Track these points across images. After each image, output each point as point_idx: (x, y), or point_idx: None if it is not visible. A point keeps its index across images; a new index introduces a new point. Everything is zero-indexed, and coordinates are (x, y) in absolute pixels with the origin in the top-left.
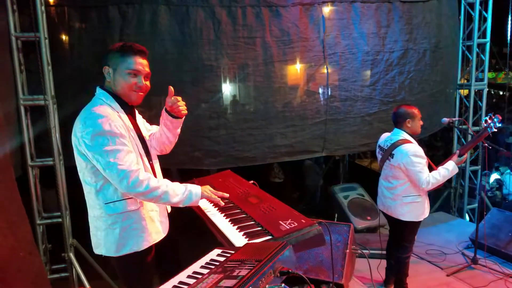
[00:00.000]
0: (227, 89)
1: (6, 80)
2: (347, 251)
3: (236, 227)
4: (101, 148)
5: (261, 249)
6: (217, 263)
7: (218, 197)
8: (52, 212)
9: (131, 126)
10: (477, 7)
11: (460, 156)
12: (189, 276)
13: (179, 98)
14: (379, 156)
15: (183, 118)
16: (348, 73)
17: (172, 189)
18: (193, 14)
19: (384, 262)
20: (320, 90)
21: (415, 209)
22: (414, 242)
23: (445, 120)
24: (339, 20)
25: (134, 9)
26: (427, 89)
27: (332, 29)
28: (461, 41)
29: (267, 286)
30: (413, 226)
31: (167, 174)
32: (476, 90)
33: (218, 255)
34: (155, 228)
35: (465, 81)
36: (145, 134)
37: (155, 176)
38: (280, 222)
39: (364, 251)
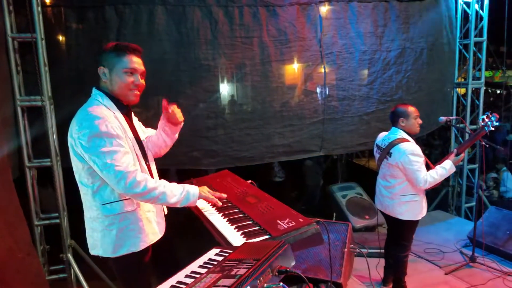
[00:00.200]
0: (225, 89)
1: (3, 81)
2: (346, 250)
3: (234, 226)
4: (98, 149)
5: (259, 248)
6: (215, 263)
7: (216, 197)
8: (50, 213)
9: (127, 127)
10: (474, 5)
11: (457, 155)
12: (187, 276)
13: (174, 108)
14: (376, 155)
15: (182, 124)
16: (345, 72)
17: (170, 189)
18: (190, 14)
19: (382, 261)
20: (318, 90)
21: (413, 208)
22: (412, 241)
23: (443, 118)
24: (336, 19)
25: (131, 9)
26: (424, 88)
27: (329, 28)
28: (458, 40)
29: (265, 285)
30: (411, 225)
31: (165, 175)
32: (473, 89)
33: (216, 254)
34: (152, 228)
35: (462, 79)
36: (141, 135)
37: (152, 177)
38: (278, 221)
39: (362, 250)
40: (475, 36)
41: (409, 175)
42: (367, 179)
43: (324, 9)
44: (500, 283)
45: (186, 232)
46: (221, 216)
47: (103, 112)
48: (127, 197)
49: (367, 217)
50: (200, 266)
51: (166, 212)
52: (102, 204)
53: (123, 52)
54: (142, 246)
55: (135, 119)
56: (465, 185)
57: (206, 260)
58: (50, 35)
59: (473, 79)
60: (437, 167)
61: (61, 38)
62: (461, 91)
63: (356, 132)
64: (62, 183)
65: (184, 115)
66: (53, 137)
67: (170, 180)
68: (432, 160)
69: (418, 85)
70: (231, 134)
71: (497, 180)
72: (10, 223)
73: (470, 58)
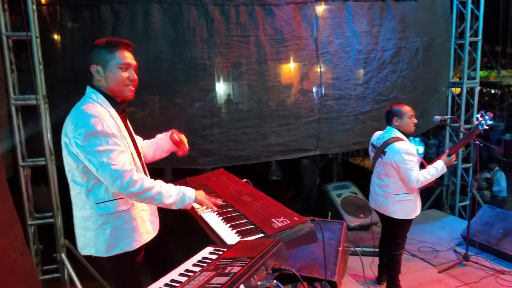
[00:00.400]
0: (221, 87)
1: None
2: (340, 248)
3: (228, 225)
4: (94, 148)
5: (254, 247)
6: (209, 261)
7: (212, 203)
8: (44, 212)
9: (122, 125)
10: (469, 5)
11: (449, 155)
12: (181, 274)
13: (182, 137)
14: (371, 154)
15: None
16: (341, 71)
17: (166, 190)
18: (186, 12)
19: (376, 260)
20: (314, 89)
21: (406, 207)
22: (406, 239)
23: (437, 118)
24: (332, 18)
25: (127, 8)
26: (419, 87)
27: (325, 27)
28: (453, 39)
29: (259, 283)
30: (405, 224)
31: (160, 174)
32: (468, 88)
33: (211, 253)
34: (146, 228)
35: (458, 79)
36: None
37: (147, 175)
38: (273, 220)
39: (357, 248)
40: (471, 36)
41: (401, 174)
42: (363, 178)
43: (320, 8)
44: (493, 282)
45: (180, 231)
46: (216, 214)
47: (98, 111)
48: (122, 196)
49: (361, 216)
50: (194, 265)
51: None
52: (96, 203)
53: (115, 48)
54: (136, 245)
55: None
56: (459, 184)
57: (200, 259)
58: (45, 34)
59: (468, 79)
60: (429, 167)
61: (56, 36)
62: (456, 90)
63: (352, 131)
64: (56, 182)
65: (180, 114)
66: (47, 136)
67: (165, 180)
68: (427, 159)
69: (414, 85)
70: (227, 133)
71: (489, 180)
72: (3, 222)
73: (465, 58)
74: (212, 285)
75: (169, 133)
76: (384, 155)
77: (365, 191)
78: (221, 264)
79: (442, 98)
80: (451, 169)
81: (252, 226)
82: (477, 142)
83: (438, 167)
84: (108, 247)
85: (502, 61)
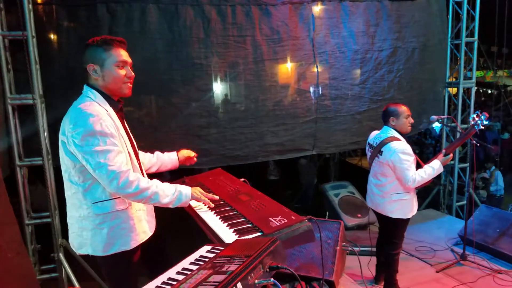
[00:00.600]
0: (218, 87)
1: None
2: (338, 248)
3: (226, 224)
4: (92, 148)
5: (251, 245)
6: (207, 259)
7: (208, 199)
8: (41, 212)
9: (120, 125)
10: (465, 6)
11: (446, 155)
12: (178, 273)
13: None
14: (368, 154)
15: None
16: (337, 71)
17: (162, 189)
18: (183, 12)
19: (374, 259)
20: (310, 89)
21: (403, 206)
22: (403, 238)
23: (434, 117)
24: (328, 18)
25: (123, 7)
26: (416, 87)
27: (322, 27)
28: (449, 39)
29: (256, 281)
30: (402, 223)
31: (157, 174)
32: (465, 88)
33: (208, 251)
34: (143, 227)
35: (454, 79)
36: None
37: (143, 175)
38: (270, 218)
39: (354, 248)
40: (467, 36)
41: (398, 174)
42: (360, 178)
43: (316, 8)
44: (490, 281)
45: (177, 231)
46: (214, 213)
47: (97, 110)
48: (119, 196)
49: (359, 215)
50: (192, 263)
51: None
52: (93, 203)
53: (111, 46)
54: (133, 245)
55: None
56: (456, 184)
57: (197, 257)
58: (42, 33)
59: (464, 79)
60: (426, 166)
61: (52, 36)
62: (453, 90)
63: (349, 131)
64: (53, 182)
65: (176, 114)
66: (44, 136)
67: (162, 179)
68: (424, 159)
69: (410, 85)
70: (224, 133)
71: (486, 180)
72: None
73: (462, 58)
74: (209, 283)
75: (174, 153)
76: (381, 154)
77: (363, 190)
78: (218, 263)
79: (439, 98)
80: (448, 169)
81: (249, 225)
82: (474, 142)
83: (434, 167)
84: (105, 246)
85: (498, 61)
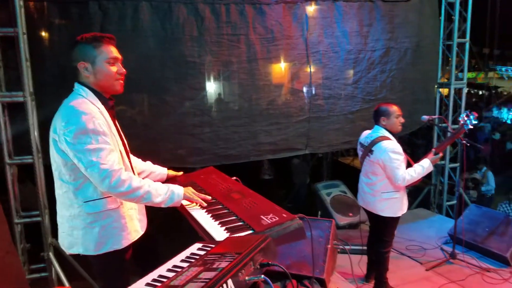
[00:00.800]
0: (211, 86)
1: None
2: (329, 246)
3: (217, 222)
4: (84, 146)
5: (242, 242)
6: (197, 257)
7: (200, 199)
8: (31, 211)
9: (111, 123)
10: (457, 7)
11: (435, 154)
12: (168, 270)
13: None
14: (360, 153)
15: None
16: (331, 71)
17: (155, 188)
18: (176, 10)
19: (365, 258)
20: (304, 88)
21: (393, 205)
22: (393, 237)
23: (425, 117)
24: (322, 18)
25: (115, 5)
26: (408, 87)
27: (315, 27)
28: (441, 40)
29: (247, 277)
30: (392, 222)
31: None
32: (456, 89)
33: (199, 249)
34: (134, 226)
35: (446, 80)
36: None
37: (134, 173)
38: (262, 216)
39: (345, 246)
40: (458, 37)
41: (388, 173)
42: (352, 178)
43: (310, 8)
44: (479, 279)
45: (169, 229)
46: (205, 212)
47: (89, 108)
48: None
49: (350, 214)
50: (182, 261)
51: None
52: (85, 202)
53: (101, 43)
54: (125, 243)
55: None
56: (447, 183)
57: (188, 255)
58: (33, 31)
59: (455, 80)
60: (415, 165)
61: (44, 33)
62: (444, 91)
63: (341, 131)
64: (43, 181)
65: (170, 113)
66: (34, 134)
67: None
68: (415, 159)
69: (402, 85)
70: (217, 132)
71: (476, 180)
72: None
73: (453, 59)
74: (200, 280)
75: (165, 169)
76: (372, 153)
77: (355, 190)
78: (209, 260)
79: (431, 99)
80: (439, 169)
81: (241, 223)
82: (464, 141)
83: (424, 166)
84: (96, 245)
85: (490, 62)
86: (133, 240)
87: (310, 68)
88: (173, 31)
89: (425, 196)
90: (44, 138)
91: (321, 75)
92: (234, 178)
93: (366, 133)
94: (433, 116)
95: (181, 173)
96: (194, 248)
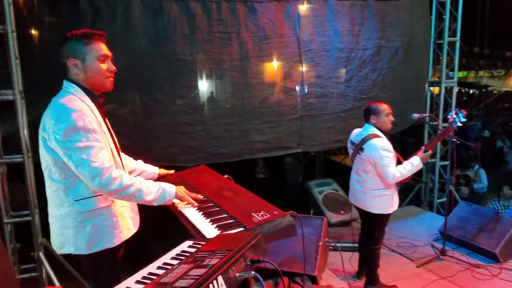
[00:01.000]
0: (203, 84)
1: None
2: (320, 243)
3: (208, 220)
4: (74, 144)
5: (233, 239)
6: (188, 254)
7: (192, 198)
8: (21, 210)
9: (101, 120)
10: (448, 6)
11: (425, 151)
12: (159, 267)
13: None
14: (350, 151)
15: None
16: (323, 70)
17: (146, 187)
18: (167, 8)
19: (356, 255)
20: (296, 87)
21: (384, 202)
22: (384, 234)
23: (416, 116)
24: (314, 17)
25: (106, 2)
26: (399, 86)
27: (308, 26)
28: (432, 39)
29: (237, 274)
30: (383, 219)
31: None
32: (447, 88)
33: (189, 246)
34: (126, 224)
35: (437, 79)
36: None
37: (125, 171)
38: (253, 214)
39: (337, 244)
40: (449, 36)
41: (378, 170)
42: (344, 176)
43: (302, 6)
44: (469, 275)
45: (162, 228)
46: (196, 210)
47: (79, 105)
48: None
49: (342, 212)
50: (173, 258)
51: None
52: (75, 200)
53: (92, 40)
54: (117, 242)
55: None
56: (437, 181)
57: (178, 252)
58: (22, 28)
59: (446, 78)
60: (405, 162)
61: (33, 31)
62: (435, 90)
63: (334, 129)
64: (33, 180)
65: (161, 111)
66: (24, 132)
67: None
68: (406, 158)
69: (394, 83)
70: (209, 131)
71: (468, 178)
72: None
73: (444, 58)
74: (190, 277)
75: (157, 168)
76: (362, 151)
77: (347, 188)
78: (199, 257)
79: (422, 97)
80: (430, 167)
81: (232, 221)
82: (454, 139)
83: (414, 163)
84: (88, 244)
85: (480, 62)
86: (125, 238)
87: (302, 67)
88: (164, 29)
89: (416, 194)
90: (34, 137)
91: (313, 74)
92: (226, 176)
93: (356, 131)
94: (424, 114)
95: (172, 171)
96: (185, 245)
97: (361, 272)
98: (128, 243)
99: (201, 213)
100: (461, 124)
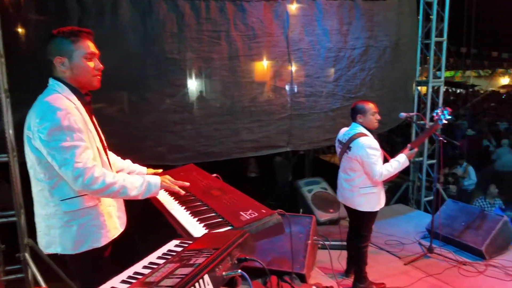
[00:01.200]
0: (192, 83)
1: None
2: (309, 242)
3: (196, 219)
4: (58, 144)
5: (220, 238)
6: (174, 253)
7: (178, 186)
8: (6, 210)
9: (88, 118)
10: (435, 6)
11: (411, 149)
12: (144, 267)
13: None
14: (338, 150)
15: None
16: (312, 69)
17: (130, 182)
18: (155, 6)
19: (344, 253)
20: (285, 86)
21: (371, 199)
22: (371, 231)
23: (403, 115)
24: (302, 16)
25: (93, 0)
26: (387, 85)
27: (296, 25)
28: (419, 39)
29: (224, 273)
30: (370, 216)
31: None
32: (434, 87)
33: (176, 245)
34: (113, 223)
35: (424, 78)
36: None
37: (112, 170)
38: (241, 212)
39: (326, 242)
40: (436, 36)
41: (366, 168)
42: (334, 174)
43: (290, 5)
44: (456, 272)
45: (149, 227)
46: (184, 209)
47: (65, 103)
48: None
49: (331, 210)
50: (159, 257)
51: None
52: (61, 200)
53: (78, 38)
54: (104, 241)
55: None
56: (425, 180)
57: (165, 251)
58: (8, 26)
59: (434, 78)
60: (392, 160)
61: (20, 29)
62: (423, 89)
63: (322, 128)
64: (19, 180)
65: (150, 110)
66: (9, 132)
67: None
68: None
69: (382, 83)
70: (199, 129)
71: (456, 176)
72: None
73: (431, 57)
74: (176, 276)
75: (145, 168)
76: (350, 150)
77: (336, 186)
78: (186, 256)
79: (409, 97)
80: (417, 166)
81: (220, 219)
82: (441, 138)
83: (400, 160)
84: (75, 244)
85: (467, 61)
86: (112, 238)
87: (292, 66)
88: (153, 27)
89: (403, 192)
90: (19, 136)
91: (302, 73)
92: (215, 175)
93: (344, 130)
94: (411, 113)
95: (160, 170)
96: (171, 245)
97: (350, 270)
98: (115, 243)
99: (189, 212)
100: (446, 122)
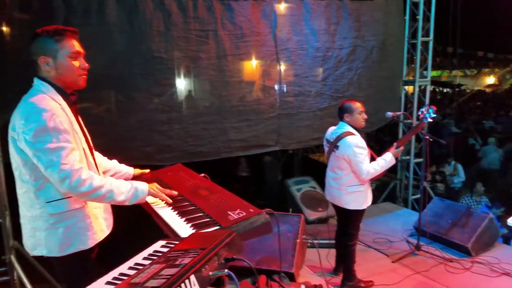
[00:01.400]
0: (180, 82)
1: None
2: (298, 241)
3: (184, 219)
4: (44, 145)
5: (206, 238)
6: (160, 254)
7: (166, 195)
8: None
9: (73, 119)
10: (421, 6)
11: (397, 147)
12: (130, 268)
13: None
14: (326, 149)
15: None
16: (300, 68)
17: (117, 186)
18: (142, 4)
19: (333, 251)
20: (274, 85)
21: (358, 198)
22: (359, 229)
23: (390, 114)
24: (290, 16)
25: None
26: (374, 85)
27: (284, 25)
28: (406, 39)
29: (210, 273)
30: (358, 214)
31: None
32: (421, 87)
33: (162, 246)
34: (100, 225)
35: (411, 78)
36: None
37: (98, 173)
38: (229, 212)
39: (314, 241)
40: (422, 36)
41: (353, 167)
42: (323, 173)
43: (278, 5)
44: (442, 269)
45: (137, 229)
46: (171, 209)
47: (50, 104)
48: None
49: (320, 209)
50: (145, 258)
51: None
52: (47, 202)
53: (63, 37)
54: (91, 243)
55: None
56: (412, 178)
57: (151, 252)
58: None
59: (420, 77)
60: (378, 159)
61: (4, 28)
62: (410, 89)
63: (311, 127)
64: (3, 181)
65: (137, 109)
66: None
67: None
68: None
69: (369, 82)
70: (187, 129)
71: (443, 174)
72: None
73: (418, 57)
74: (161, 277)
75: (132, 168)
76: (337, 149)
77: (324, 185)
78: (172, 256)
79: (396, 96)
80: (404, 164)
81: (207, 219)
82: (427, 137)
83: (386, 159)
84: (61, 246)
85: (454, 61)
86: (99, 240)
87: (280, 65)
88: (140, 26)
89: (391, 191)
90: (4, 137)
91: (290, 72)
92: (203, 174)
93: (331, 129)
94: (398, 113)
95: (147, 171)
96: (158, 245)
97: (338, 268)
98: (102, 244)
99: (176, 212)
100: (431, 120)
